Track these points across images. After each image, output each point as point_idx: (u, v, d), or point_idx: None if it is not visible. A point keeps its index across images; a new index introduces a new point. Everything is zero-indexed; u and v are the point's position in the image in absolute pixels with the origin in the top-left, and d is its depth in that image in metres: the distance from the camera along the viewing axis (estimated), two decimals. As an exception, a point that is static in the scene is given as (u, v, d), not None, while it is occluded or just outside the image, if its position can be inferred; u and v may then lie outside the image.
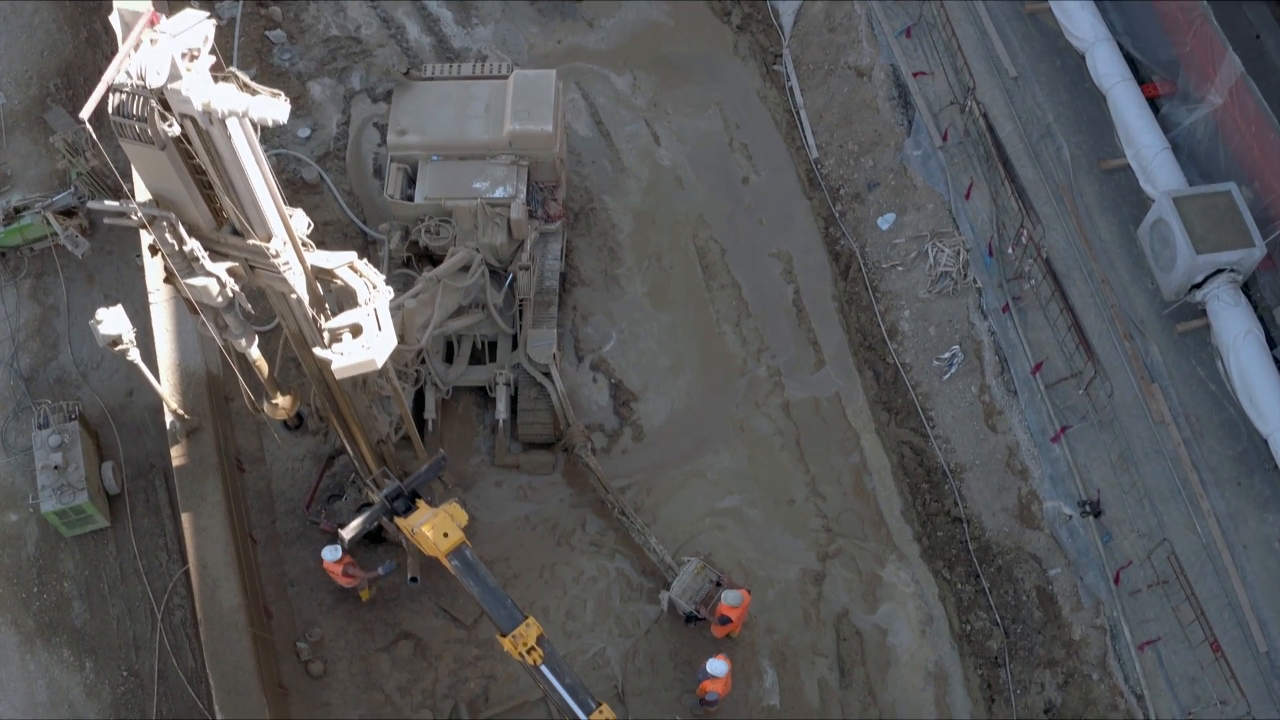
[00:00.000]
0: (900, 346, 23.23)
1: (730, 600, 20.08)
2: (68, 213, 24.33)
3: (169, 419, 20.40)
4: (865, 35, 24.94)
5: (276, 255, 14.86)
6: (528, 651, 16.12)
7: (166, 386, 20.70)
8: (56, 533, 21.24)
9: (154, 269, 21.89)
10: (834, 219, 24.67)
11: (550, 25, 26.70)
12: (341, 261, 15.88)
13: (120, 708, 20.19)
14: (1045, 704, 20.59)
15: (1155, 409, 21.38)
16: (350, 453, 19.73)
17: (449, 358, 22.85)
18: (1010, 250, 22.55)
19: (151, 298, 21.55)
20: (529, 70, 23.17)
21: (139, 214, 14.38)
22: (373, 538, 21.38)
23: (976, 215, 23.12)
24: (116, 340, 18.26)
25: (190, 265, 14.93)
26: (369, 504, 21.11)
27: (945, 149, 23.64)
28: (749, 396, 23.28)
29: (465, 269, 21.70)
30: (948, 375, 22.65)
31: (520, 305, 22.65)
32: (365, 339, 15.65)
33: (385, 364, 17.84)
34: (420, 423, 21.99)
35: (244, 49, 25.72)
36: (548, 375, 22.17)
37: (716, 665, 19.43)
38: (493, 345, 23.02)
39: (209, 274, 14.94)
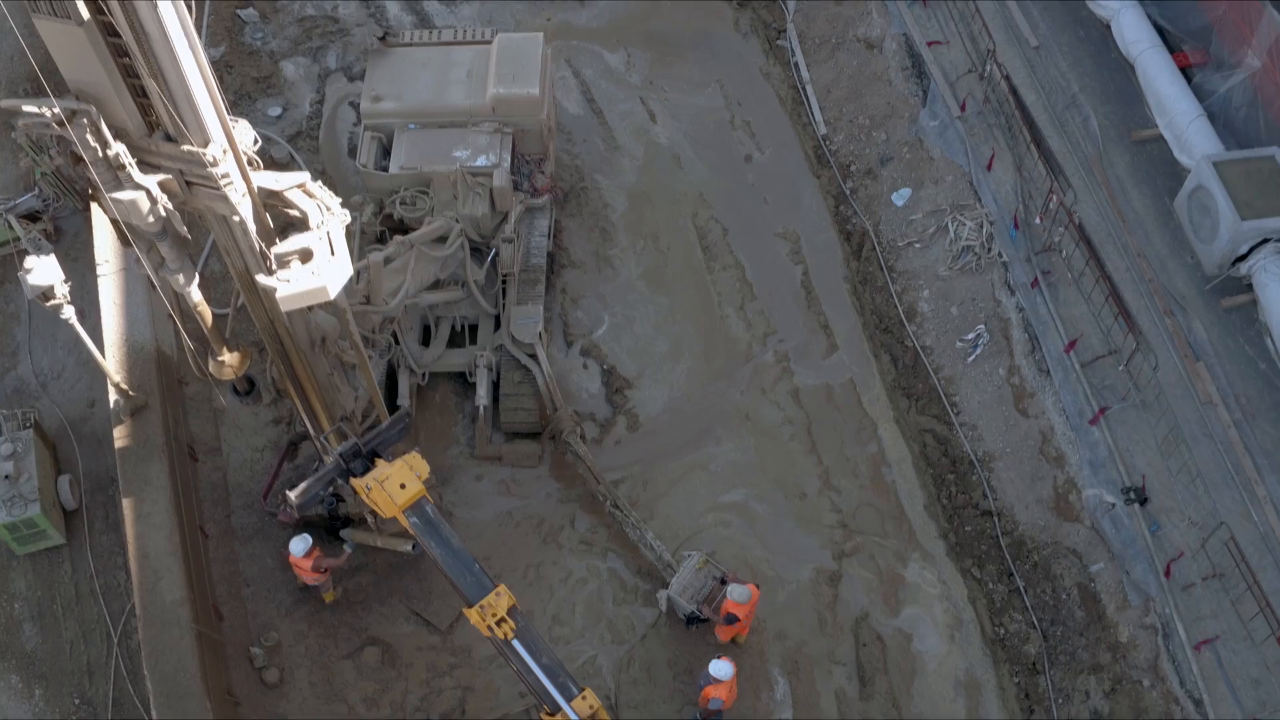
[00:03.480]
0: (919, 328, 21.28)
1: (738, 596, 17.87)
2: (31, 217, 22.64)
3: (112, 397, 18.42)
4: (875, 6, 23.36)
5: (215, 164, 12.99)
6: (497, 624, 13.96)
7: (111, 362, 18.75)
8: (8, 550, 19.00)
9: (103, 238, 20.11)
10: (844, 196, 22.85)
11: (538, 3, 25.17)
12: (292, 183, 14.01)
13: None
14: (1091, 714, 18.30)
15: (1202, 389, 19.38)
16: (310, 432, 17.69)
17: (426, 341, 20.92)
18: (1038, 220, 20.69)
19: (99, 270, 19.69)
20: (514, 33, 21.54)
21: (55, 109, 12.59)
22: (334, 530, 19.30)
23: (1000, 187, 21.31)
24: (48, 293, 16.38)
25: (116, 175, 13.12)
26: (335, 496, 19.10)
27: (964, 119, 21.91)
28: (755, 383, 21.26)
29: (443, 240, 19.87)
30: (972, 357, 20.67)
31: (503, 283, 20.77)
32: (315, 264, 13.79)
33: (349, 325, 16.06)
34: (393, 410, 19.94)
35: (214, 27, 24.14)
36: (533, 357, 20.19)
37: (720, 667, 17.19)
38: (473, 328, 21.11)
39: (138, 186, 13.12)
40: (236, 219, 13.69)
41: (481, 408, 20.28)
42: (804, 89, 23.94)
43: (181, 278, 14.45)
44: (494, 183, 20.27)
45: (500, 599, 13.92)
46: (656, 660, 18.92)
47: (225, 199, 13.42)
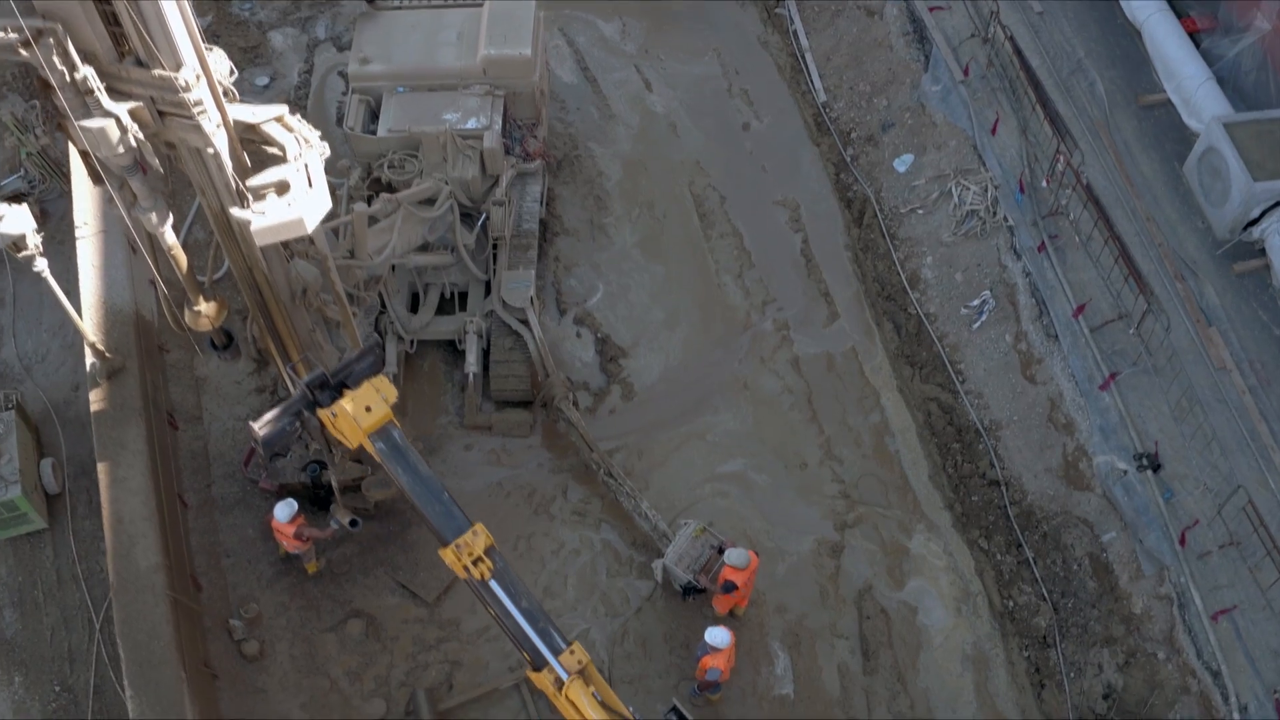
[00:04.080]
0: (922, 295, 20.64)
1: (735, 561, 17.14)
2: (15, 198, 22.03)
3: (89, 359, 17.77)
4: (876, -30, 22.90)
5: (187, 89, 12.38)
6: (474, 563, 13.17)
7: (89, 324, 18.09)
8: (-12, 536, 18.41)
9: (83, 199, 19.51)
10: (845, 164, 22.25)
11: (531, -28, 24.66)
12: (269, 115, 13.38)
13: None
14: (1104, 688, 17.59)
15: (1215, 354, 18.75)
16: (292, 393, 17.00)
17: (415, 309, 20.27)
18: (1045, 184, 20.09)
19: (79, 232, 19.07)
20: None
21: (19, 28, 11.98)
22: (321, 502, 18.62)
23: (1004, 151, 20.71)
24: (19, 243, 15.77)
25: (84, 102, 12.51)
26: (318, 461, 18.43)
27: (967, 84, 21.34)
28: (754, 352, 20.61)
29: (431, 202, 19.26)
30: (978, 324, 20.04)
31: (494, 248, 20.14)
32: (292, 196, 13.16)
33: (331, 273, 15.44)
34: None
35: (199, -2, 23.66)
36: (524, 322, 19.54)
37: (717, 634, 16.47)
38: (463, 296, 20.47)
39: (107, 113, 12.51)
40: (211, 151, 13.08)
41: (471, 375, 19.61)
42: (803, 57, 23.37)
43: (154, 216, 13.80)
44: (484, 144, 19.66)
45: (477, 538, 13.08)
46: (652, 634, 18.20)
47: (199, 129, 12.80)
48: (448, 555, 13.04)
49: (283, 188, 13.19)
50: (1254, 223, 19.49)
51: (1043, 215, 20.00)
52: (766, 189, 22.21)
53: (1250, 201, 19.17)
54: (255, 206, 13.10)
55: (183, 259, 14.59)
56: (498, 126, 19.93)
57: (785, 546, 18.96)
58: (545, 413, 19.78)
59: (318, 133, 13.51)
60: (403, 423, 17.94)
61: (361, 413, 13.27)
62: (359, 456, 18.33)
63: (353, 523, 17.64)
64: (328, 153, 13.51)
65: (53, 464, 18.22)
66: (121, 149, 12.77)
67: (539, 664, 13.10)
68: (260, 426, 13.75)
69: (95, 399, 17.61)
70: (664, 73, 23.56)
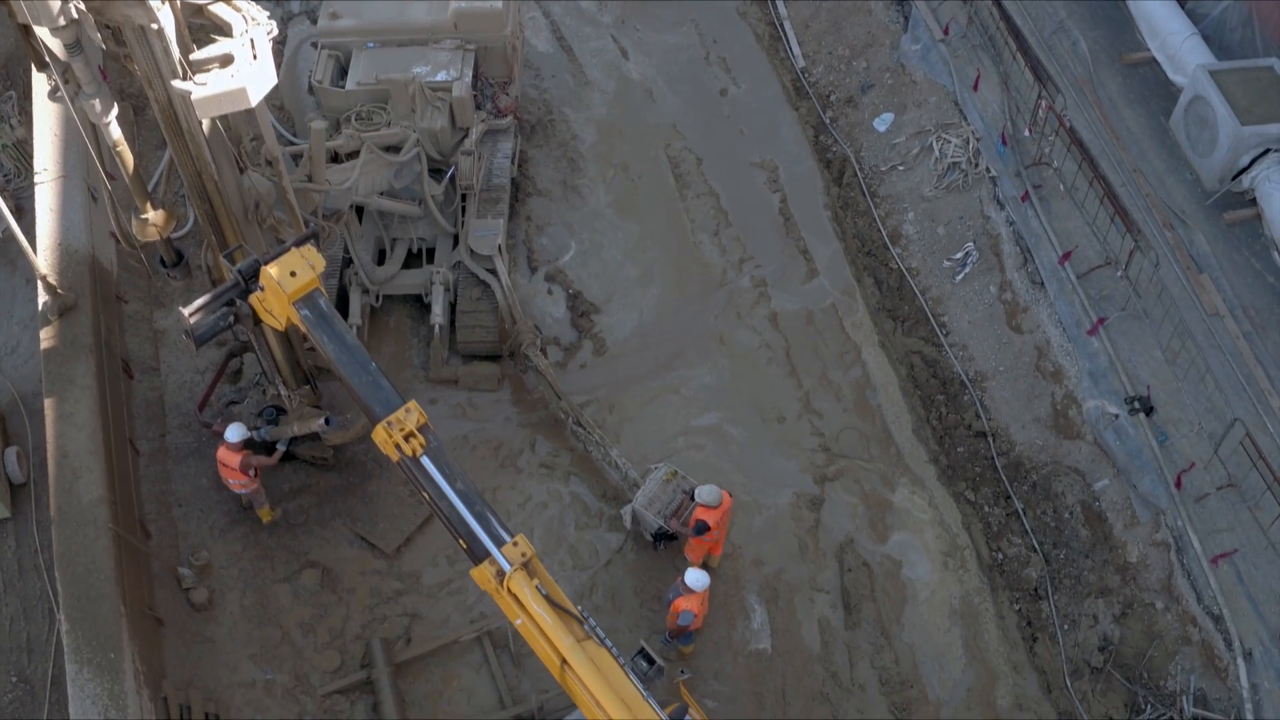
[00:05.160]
0: (904, 251, 20.06)
1: (707, 498, 16.27)
2: None
3: (41, 298, 17.12)
4: (855, -62, 22.66)
5: (129, -46, 11.98)
6: (405, 438, 12.19)
7: (44, 264, 17.47)
8: (-52, 523, 17.55)
9: (43, 145, 19.00)
10: (824, 126, 21.79)
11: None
12: (215, -6, 12.99)
13: (6, 717, 16.23)
14: (1100, 639, 16.67)
15: (1207, 300, 18.13)
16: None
17: (381, 262, 19.68)
18: (1027, 133, 19.63)
19: (38, 177, 18.54)
20: (480, -46, 20.67)
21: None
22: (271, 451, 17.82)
23: (986, 107, 20.27)
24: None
25: (21, -34, 12.05)
26: (277, 407, 17.65)
27: (947, 43, 20.98)
28: (730, 308, 19.96)
29: (398, 150, 18.78)
30: (961, 275, 19.43)
31: (463, 199, 19.59)
32: (235, 68, 12.65)
33: (284, 180, 14.89)
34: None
35: (172, -30, 23.31)
36: (492, 272, 18.92)
37: (696, 575, 15.58)
38: (430, 253, 19.87)
39: (46, -20, 12.04)
40: (155, 28, 12.59)
41: (437, 327, 18.91)
42: (781, 25, 23.05)
43: (98, 104, 13.24)
44: (453, 93, 19.21)
45: (410, 414, 12.27)
46: (621, 587, 17.31)
47: (142, 3, 12.35)
48: (379, 434, 12.16)
49: (226, 60, 12.72)
50: (1243, 172, 19.03)
51: (1026, 166, 19.49)
52: (744, 151, 21.74)
53: (1239, 146, 18.69)
54: (197, 78, 12.61)
55: (129, 158, 13.99)
56: (468, 78, 19.50)
57: (762, 500, 18.14)
58: (513, 362, 19.07)
59: (265, 13, 13.07)
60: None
61: (286, 277, 12.56)
62: (317, 401, 17.66)
63: (327, 420, 16.85)
64: (275, 31, 13.03)
65: (18, 452, 17.37)
66: (63, 20, 12.30)
67: (478, 554, 12.16)
68: (190, 313, 13.06)
69: (45, 336, 16.90)
70: (641, 42, 23.22)
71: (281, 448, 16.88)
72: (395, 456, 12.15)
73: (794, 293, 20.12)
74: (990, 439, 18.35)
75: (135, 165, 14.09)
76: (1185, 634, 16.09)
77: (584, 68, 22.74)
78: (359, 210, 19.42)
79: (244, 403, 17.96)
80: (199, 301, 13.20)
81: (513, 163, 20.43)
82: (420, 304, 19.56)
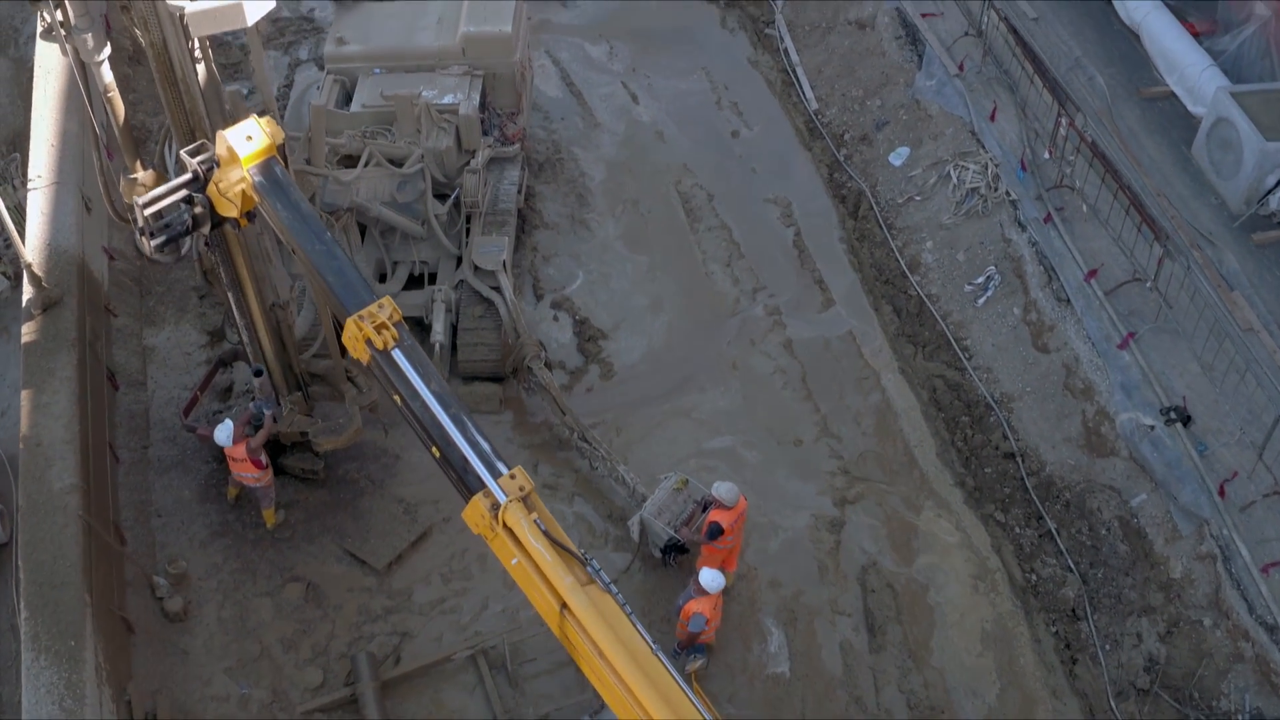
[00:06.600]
0: (923, 279, 19.38)
1: (724, 495, 15.03)
2: None
3: (26, 293, 16.46)
4: (865, -14, 22.67)
5: None
6: (377, 330, 11.09)
7: (32, 258, 16.85)
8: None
9: (39, 152, 18.60)
10: (838, 164, 21.34)
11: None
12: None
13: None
14: (1145, 660, 15.37)
15: (1241, 317, 17.36)
16: (238, 320, 15.59)
17: (382, 280, 19.05)
18: (1048, 154, 19.18)
19: (31, 184, 18.09)
20: (488, -16, 20.65)
21: None
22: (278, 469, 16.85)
23: (1004, 135, 19.86)
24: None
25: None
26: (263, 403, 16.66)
27: (962, 78, 20.72)
28: (743, 334, 19.15)
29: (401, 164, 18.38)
30: (983, 299, 18.69)
31: (467, 219, 19.05)
32: (232, -12, 12.26)
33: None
34: (343, 350, 17.74)
35: (184, 22, 23.39)
36: (496, 289, 18.25)
37: (711, 576, 14.46)
38: (433, 277, 19.23)
39: (38, -105, 11.80)
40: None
41: (437, 346, 18.11)
42: (794, 71, 22.86)
43: (90, 39, 12.83)
44: (460, 111, 18.90)
45: (384, 309, 11.34)
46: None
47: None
48: (348, 330, 11.20)
49: (222, -17, 12.35)
50: (1269, 193, 18.49)
51: (1046, 189, 18.98)
52: (756, 189, 21.26)
53: (1264, 164, 18.21)
54: (192, -6, 12.20)
55: (120, 107, 13.49)
56: (475, 100, 19.22)
57: (779, 522, 17.04)
58: (515, 380, 18.23)
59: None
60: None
61: (241, 141, 11.91)
62: (308, 411, 16.81)
63: (257, 372, 15.94)
64: (275, -40, 12.71)
65: (1, 512, 16.60)
66: (53, -61, 12.01)
67: (468, 484, 11.06)
68: (144, 204, 12.33)
69: (27, 331, 16.18)
70: (651, 88, 23.00)
71: (268, 410, 15.90)
72: (365, 355, 11.23)
73: (810, 321, 19.38)
74: (1019, 459, 17.34)
75: (126, 117, 13.60)
76: (1237, 650, 14.82)
77: (593, 111, 22.49)
78: (361, 229, 18.93)
79: (232, 409, 17.11)
80: (153, 193, 12.50)
81: (519, 192, 19.98)
82: (421, 326, 18.80)
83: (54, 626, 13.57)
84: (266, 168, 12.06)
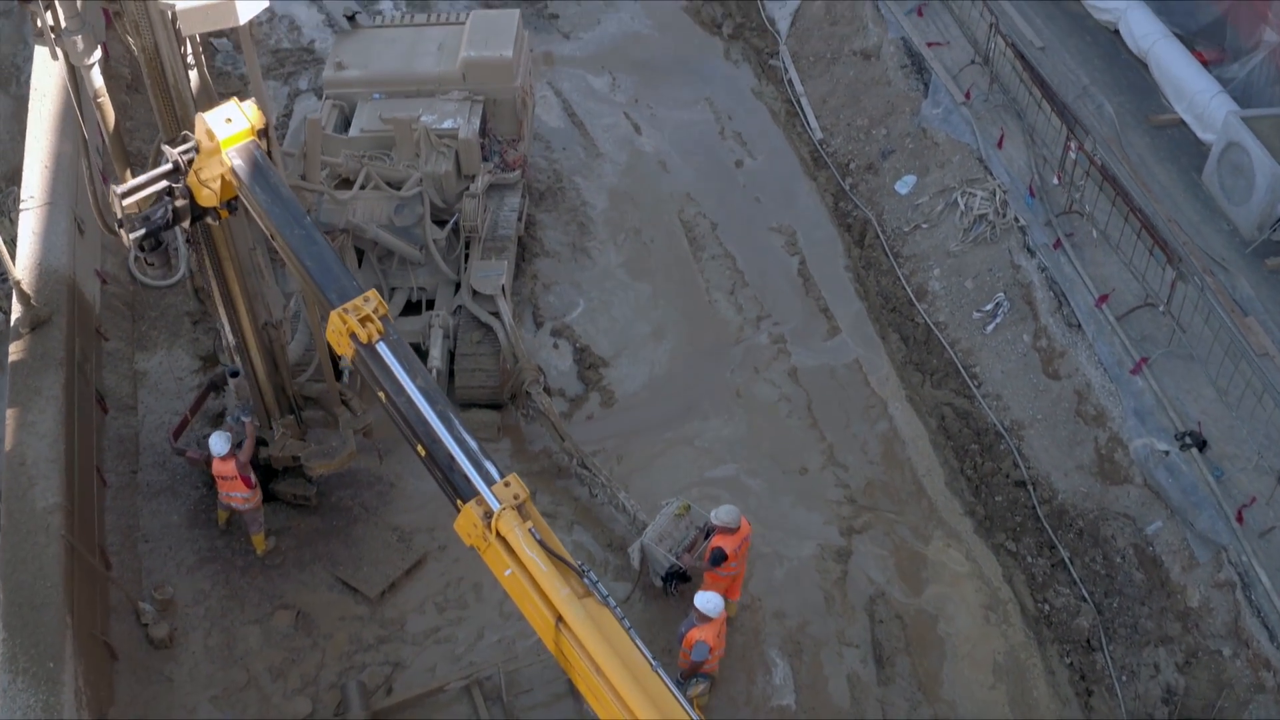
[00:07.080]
0: (930, 307, 19.03)
1: (725, 518, 14.63)
2: None
3: (15, 311, 16.14)
4: (871, 17, 22.43)
5: None
6: (362, 322, 10.67)
7: (22, 277, 16.55)
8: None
9: (33, 174, 18.34)
10: (843, 193, 21.08)
11: (522, 35, 24.44)
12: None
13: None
14: (1163, 691, 14.83)
15: (1255, 341, 16.94)
16: (229, 340, 15.26)
17: (379, 307, 18.68)
18: (1056, 180, 18.89)
19: (24, 204, 17.82)
20: (489, 10, 20.52)
21: None
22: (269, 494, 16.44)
23: (1011, 163, 19.59)
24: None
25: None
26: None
27: (969, 105, 20.50)
28: (747, 362, 18.78)
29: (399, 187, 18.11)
30: (991, 326, 18.33)
31: (466, 245, 18.75)
32: (223, -17, 12.03)
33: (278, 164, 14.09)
34: (338, 374, 17.40)
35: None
36: (495, 314, 17.91)
37: (708, 599, 13.95)
38: (430, 304, 18.90)
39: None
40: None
41: (434, 371, 17.75)
42: (798, 101, 22.65)
43: (80, 42, 12.61)
44: (460, 135, 18.66)
45: (369, 302, 10.96)
46: (629, 637, 15.59)
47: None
48: (333, 323, 10.82)
49: (214, -18, 12.13)
50: (1282, 219, 18.22)
51: (1055, 214, 18.67)
52: (760, 218, 20.98)
53: (1277, 188, 17.88)
54: (182, -6, 11.99)
55: (110, 113, 13.25)
56: (475, 125, 19.00)
57: (784, 551, 16.56)
58: (514, 406, 17.84)
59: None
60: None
61: (220, 123, 11.63)
62: (301, 435, 16.41)
63: (234, 373, 15.71)
64: None
65: None
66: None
67: (454, 484, 10.61)
68: (123, 193, 12.00)
69: (15, 350, 15.85)
70: (653, 119, 22.78)
71: (245, 417, 15.52)
72: (350, 350, 10.84)
73: (815, 349, 19.01)
74: (1031, 488, 16.89)
75: (117, 124, 13.35)
76: (1258, 680, 14.29)
77: (595, 141, 22.27)
78: (360, 254, 18.64)
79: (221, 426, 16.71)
80: (132, 182, 12.20)
81: (519, 220, 19.71)
82: (418, 352, 18.38)
83: (33, 648, 13.10)
84: (245, 151, 11.81)
